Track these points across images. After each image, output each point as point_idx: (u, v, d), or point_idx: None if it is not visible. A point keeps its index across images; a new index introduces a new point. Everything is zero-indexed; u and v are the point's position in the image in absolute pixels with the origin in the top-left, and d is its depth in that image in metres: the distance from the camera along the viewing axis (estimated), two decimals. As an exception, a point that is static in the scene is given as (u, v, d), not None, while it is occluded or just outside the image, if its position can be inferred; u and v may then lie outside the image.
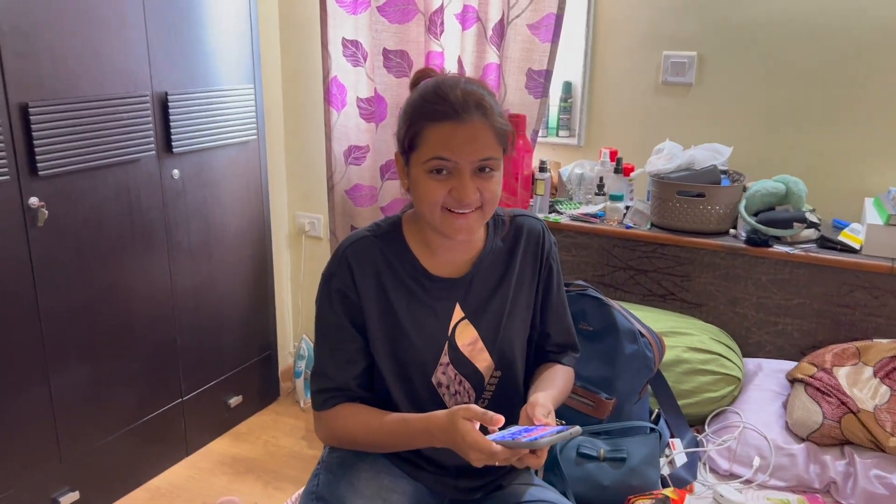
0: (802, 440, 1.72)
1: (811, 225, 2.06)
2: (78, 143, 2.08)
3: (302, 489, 1.78)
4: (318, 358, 1.38)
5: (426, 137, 1.22)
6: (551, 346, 1.48)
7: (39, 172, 2.00)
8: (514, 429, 1.20)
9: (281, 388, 3.09)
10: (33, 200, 2.01)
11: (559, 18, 2.25)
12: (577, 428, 1.17)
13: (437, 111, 1.21)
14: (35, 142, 1.98)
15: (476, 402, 1.39)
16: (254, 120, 2.68)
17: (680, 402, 1.85)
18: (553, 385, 1.38)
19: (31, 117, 1.96)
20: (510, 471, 1.44)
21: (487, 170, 1.24)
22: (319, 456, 2.64)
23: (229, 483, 2.53)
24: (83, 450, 2.27)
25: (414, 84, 1.32)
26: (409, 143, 1.25)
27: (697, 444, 1.78)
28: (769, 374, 1.95)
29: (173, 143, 2.37)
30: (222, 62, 2.52)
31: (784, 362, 1.98)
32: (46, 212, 2.03)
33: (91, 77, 2.10)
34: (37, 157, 1.99)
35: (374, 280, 1.33)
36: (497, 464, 1.15)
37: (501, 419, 1.16)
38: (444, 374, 1.36)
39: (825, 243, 2.03)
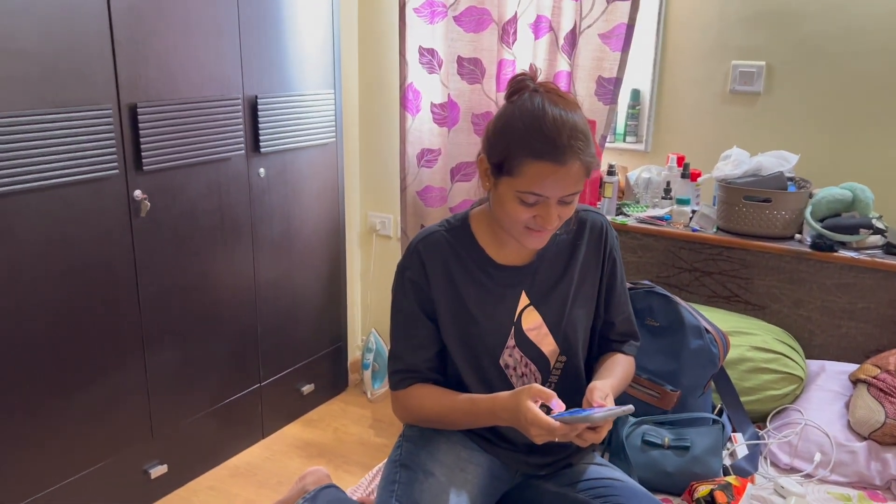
0: (864, 438, 1.76)
1: (877, 231, 2.09)
2: (178, 141, 2.26)
3: (376, 466, 1.90)
4: (393, 342, 1.50)
5: (525, 171, 1.27)
6: (615, 335, 1.57)
7: (144, 168, 2.18)
8: (574, 410, 1.30)
9: (350, 379, 3.24)
10: (137, 193, 2.19)
11: (630, 28, 2.34)
12: (630, 406, 1.26)
13: (540, 150, 1.26)
14: (141, 139, 2.16)
15: (543, 385, 1.49)
16: (333, 123, 2.84)
17: (742, 399, 1.91)
18: (613, 374, 1.47)
19: (139, 117, 2.14)
20: (578, 451, 1.53)
21: (570, 199, 1.32)
22: (385, 444, 2.79)
23: (302, 465, 2.67)
24: (172, 426, 2.44)
25: (511, 94, 1.34)
26: (505, 167, 1.30)
27: (759, 439, 1.84)
28: (832, 375, 1.99)
29: (261, 144, 2.54)
30: (306, 69, 2.69)
31: (847, 364, 2.02)
32: (149, 204, 2.22)
33: (191, 81, 2.28)
34: (142, 154, 2.17)
35: (444, 270, 1.44)
36: (557, 439, 1.26)
37: (562, 404, 1.26)
38: (510, 356, 1.46)
39: (891, 249, 2.06)
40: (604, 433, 1.29)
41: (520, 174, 1.28)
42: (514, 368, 1.47)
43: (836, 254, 2.07)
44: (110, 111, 2.07)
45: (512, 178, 1.30)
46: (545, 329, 1.47)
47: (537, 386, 1.29)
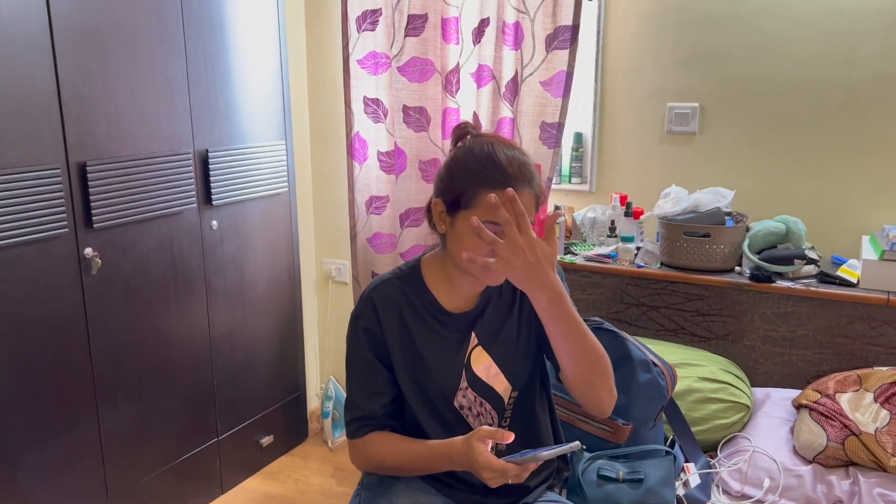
0: (809, 462, 1.83)
1: (811, 261, 2.20)
2: (129, 198, 2.27)
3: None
4: (349, 390, 1.53)
5: (482, 201, 1.34)
6: None
7: (94, 225, 2.18)
8: (524, 451, 1.34)
9: (309, 428, 3.21)
10: (88, 251, 2.18)
11: (570, 75, 2.44)
12: (577, 443, 1.30)
13: (494, 179, 1.33)
14: (91, 198, 2.16)
15: (499, 423, 1.53)
16: (285, 174, 2.87)
17: (693, 429, 1.97)
18: None
19: (89, 175, 2.14)
20: (535, 489, 1.56)
21: None
22: (347, 493, 2.76)
23: (263, 519, 2.64)
24: (128, 485, 2.40)
25: (456, 140, 1.45)
26: (462, 201, 1.37)
27: (711, 467, 1.89)
28: (777, 401, 2.07)
29: (213, 197, 2.55)
30: (257, 121, 2.72)
31: (790, 391, 2.10)
32: (99, 261, 2.21)
33: (141, 137, 2.30)
34: (92, 212, 2.17)
35: (397, 318, 1.47)
36: (510, 481, 1.29)
37: (511, 435, 1.30)
38: (464, 397, 1.50)
39: (825, 278, 2.16)
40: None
41: (477, 205, 1.34)
42: (470, 409, 1.51)
43: (773, 284, 2.16)
44: (59, 171, 2.07)
45: (469, 210, 1.35)
46: (495, 368, 1.51)
47: (486, 428, 1.32)
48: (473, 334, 1.50)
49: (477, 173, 1.35)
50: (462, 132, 1.46)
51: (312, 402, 3.28)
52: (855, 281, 2.13)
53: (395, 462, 1.48)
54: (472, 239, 1.36)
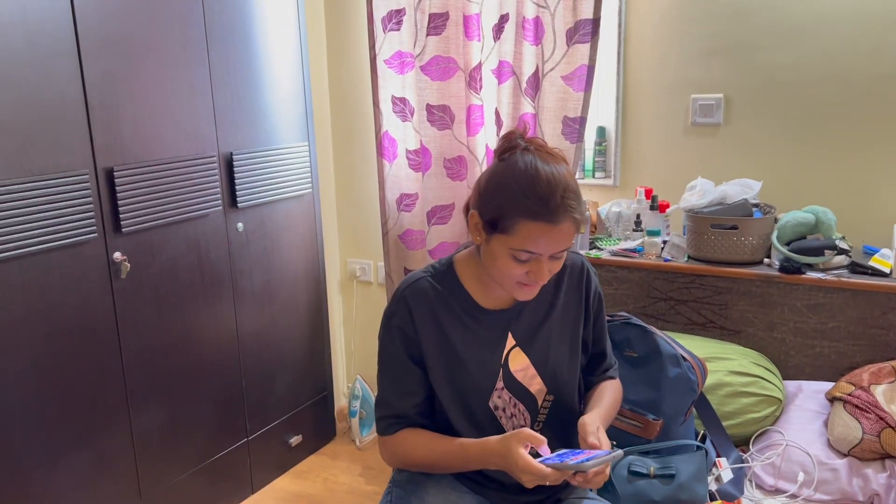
0: (844, 455, 1.80)
1: (842, 251, 2.16)
2: (155, 202, 2.29)
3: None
4: (380, 388, 1.53)
5: (519, 229, 1.31)
6: (606, 364, 1.61)
7: (123, 230, 2.20)
8: (564, 452, 1.33)
9: (337, 427, 3.23)
10: (117, 255, 2.21)
11: (591, 69, 2.42)
12: (620, 452, 1.30)
13: (535, 211, 1.29)
14: (119, 202, 2.18)
15: (532, 425, 1.52)
16: (308, 175, 2.89)
17: (724, 424, 1.95)
18: (601, 404, 1.51)
19: (116, 180, 2.17)
20: (566, 486, 1.55)
21: (561, 255, 1.37)
22: (376, 491, 2.77)
23: (293, 518, 2.66)
24: (161, 486, 2.43)
25: (502, 152, 1.38)
26: (500, 225, 1.34)
27: (743, 462, 1.87)
28: (809, 394, 2.04)
29: (238, 199, 2.57)
30: (279, 123, 2.74)
31: (823, 383, 2.07)
32: (128, 265, 2.23)
33: (166, 142, 2.32)
34: (121, 216, 2.19)
35: (431, 316, 1.47)
36: (548, 483, 1.28)
37: (545, 442, 1.29)
38: (499, 398, 1.49)
39: (856, 268, 2.13)
40: (602, 478, 1.32)
41: (514, 233, 1.32)
42: (504, 409, 1.50)
43: (803, 276, 2.13)
44: (87, 176, 2.10)
45: (506, 235, 1.33)
46: (532, 370, 1.50)
47: (527, 431, 1.31)
48: (510, 334, 1.49)
49: (517, 200, 1.31)
50: (509, 144, 1.38)
51: (340, 402, 3.29)
52: (888, 271, 2.09)
53: (426, 459, 1.48)
54: (507, 262, 1.35)
